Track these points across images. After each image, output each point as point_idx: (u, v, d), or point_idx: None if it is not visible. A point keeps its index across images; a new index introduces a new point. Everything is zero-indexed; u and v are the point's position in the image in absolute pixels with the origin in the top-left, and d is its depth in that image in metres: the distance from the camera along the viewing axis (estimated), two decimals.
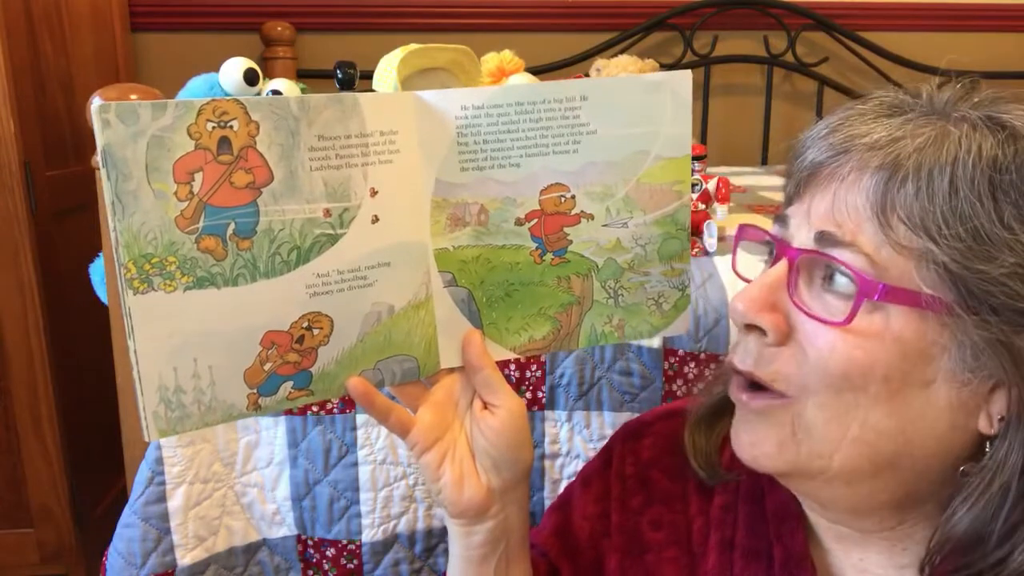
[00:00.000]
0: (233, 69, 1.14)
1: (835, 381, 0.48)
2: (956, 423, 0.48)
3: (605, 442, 0.69)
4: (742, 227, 0.58)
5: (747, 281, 0.54)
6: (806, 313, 0.49)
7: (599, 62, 1.58)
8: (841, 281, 0.48)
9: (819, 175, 0.50)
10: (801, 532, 0.57)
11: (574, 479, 0.70)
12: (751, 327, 0.51)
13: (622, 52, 2.36)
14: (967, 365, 0.47)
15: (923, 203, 0.46)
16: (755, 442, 0.52)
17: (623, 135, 0.55)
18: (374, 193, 0.52)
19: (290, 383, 0.52)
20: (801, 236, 0.51)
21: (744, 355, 0.52)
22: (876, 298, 0.46)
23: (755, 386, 0.52)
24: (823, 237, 0.49)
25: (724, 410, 0.62)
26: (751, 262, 1.20)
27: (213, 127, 0.46)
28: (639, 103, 0.55)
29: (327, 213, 0.50)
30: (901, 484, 0.51)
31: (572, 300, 0.58)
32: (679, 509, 0.63)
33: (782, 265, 0.50)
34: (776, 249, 0.52)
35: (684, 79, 0.56)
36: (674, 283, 0.60)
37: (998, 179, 0.46)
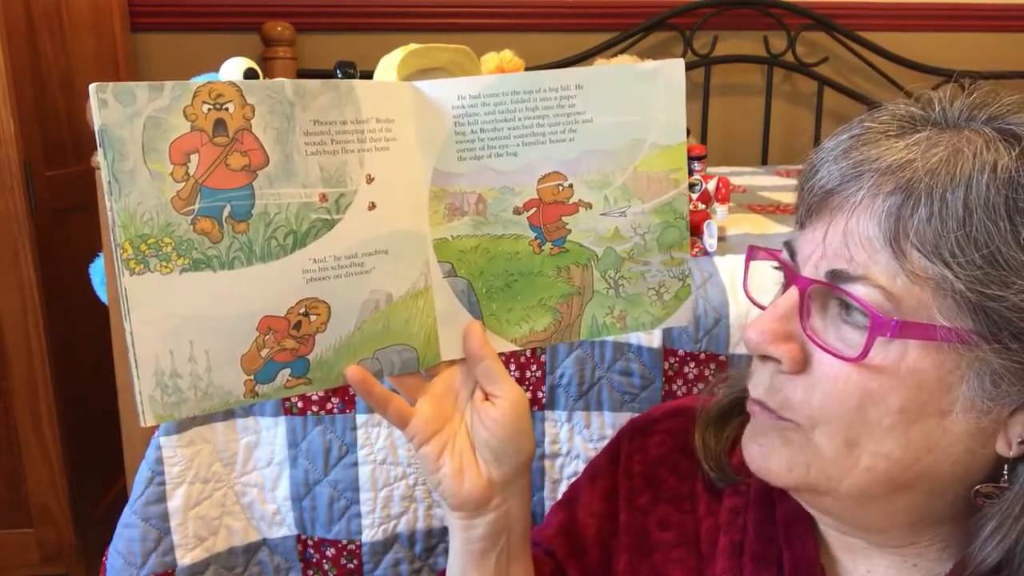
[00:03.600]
0: (233, 69, 1.14)
1: (849, 412, 0.47)
2: (973, 448, 0.47)
3: (607, 440, 0.68)
4: (752, 249, 0.57)
5: (760, 307, 0.53)
6: (819, 345, 0.48)
7: (599, 62, 1.58)
8: (857, 313, 0.47)
9: (830, 203, 0.49)
10: (812, 539, 0.57)
11: (580, 475, 0.70)
12: (766, 357, 0.50)
13: (622, 52, 2.36)
14: (987, 393, 0.45)
15: (936, 228, 0.44)
16: (766, 455, 0.51)
17: (618, 123, 0.55)
18: (370, 180, 0.52)
19: (288, 370, 0.51)
20: (811, 265, 0.49)
21: (757, 383, 0.52)
22: (889, 335, 0.45)
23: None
24: (836, 274, 0.47)
25: (733, 412, 0.62)
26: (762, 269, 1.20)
27: (209, 109, 0.47)
28: (633, 92, 0.55)
29: (323, 198, 0.50)
30: (916, 506, 0.50)
31: (572, 291, 0.58)
32: (687, 509, 0.62)
33: (793, 294, 0.49)
34: (787, 277, 0.51)
35: (677, 67, 0.56)
36: (674, 273, 0.59)
37: (1014, 198, 0.44)
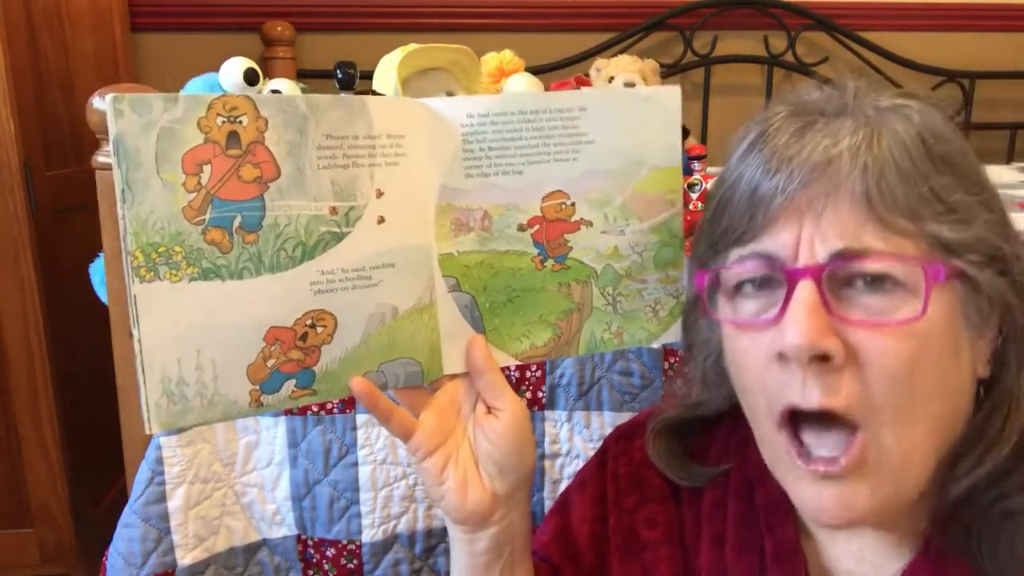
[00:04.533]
0: (233, 69, 1.14)
1: (901, 386, 0.47)
2: (973, 381, 0.51)
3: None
4: (702, 274, 0.55)
5: (745, 326, 0.52)
6: (869, 322, 0.48)
7: (599, 62, 1.58)
8: (872, 282, 0.48)
9: (802, 197, 0.49)
10: (791, 524, 0.57)
11: (571, 481, 0.70)
12: (813, 360, 0.48)
13: (622, 52, 2.36)
14: (980, 320, 0.50)
15: (903, 191, 0.48)
16: (850, 504, 0.49)
17: (619, 144, 0.57)
18: (380, 194, 0.52)
19: (293, 381, 0.52)
20: (805, 256, 0.49)
21: (808, 390, 0.48)
22: (943, 278, 0.47)
23: (796, 416, 0.50)
24: (842, 254, 0.48)
25: (688, 428, 0.64)
26: None
27: (223, 121, 0.47)
28: (633, 115, 0.57)
29: (333, 211, 0.51)
30: (934, 473, 0.51)
31: (572, 307, 0.59)
32: (672, 507, 0.63)
33: (807, 289, 0.48)
34: (787, 278, 0.49)
35: (674, 93, 0.59)
36: (669, 290, 0.61)
37: (932, 152, 0.49)
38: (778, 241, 0.50)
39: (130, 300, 0.47)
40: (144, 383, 0.47)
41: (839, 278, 0.49)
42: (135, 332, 0.47)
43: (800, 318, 0.48)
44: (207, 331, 0.48)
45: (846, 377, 0.48)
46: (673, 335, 0.62)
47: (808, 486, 0.50)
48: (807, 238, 0.49)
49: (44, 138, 1.63)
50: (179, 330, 0.48)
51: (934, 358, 0.48)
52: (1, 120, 1.47)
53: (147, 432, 0.48)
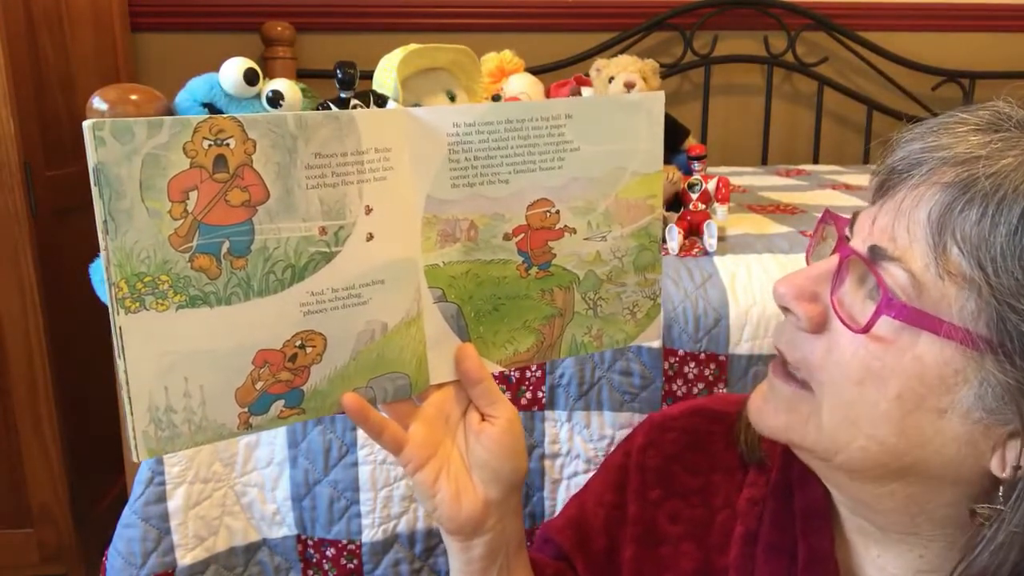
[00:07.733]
0: (233, 69, 1.13)
1: (850, 387, 0.48)
2: (964, 456, 0.47)
3: (607, 440, 0.69)
4: (827, 213, 0.57)
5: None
6: (835, 311, 0.49)
7: (599, 62, 1.58)
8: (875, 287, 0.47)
9: (892, 182, 0.50)
10: (828, 531, 0.57)
11: (596, 471, 0.70)
12: (786, 310, 0.51)
13: (622, 52, 2.37)
14: (985, 405, 0.45)
15: (984, 231, 0.43)
16: (765, 412, 0.54)
17: (603, 152, 0.57)
18: (369, 211, 0.51)
19: (281, 401, 0.51)
20: (860, 238, 0.50)
21: (780, 334, 0.53)
22: (893, 315, 0.45)
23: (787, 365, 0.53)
24: (874, 250, 0.48)
25: None
26: (778, 262, 1.18)
27: (209, 145, 0.46)
28: (618, 122, 0.57)
29: (323, 231, 0.50)
30: (909, 496, 0.51)
31: (555, 312, 0.59)
32: (697, 503, 0.63)
33: (834, 260, 0.50)
34: (837, 243, 0.52)
35: (658, 100, 0.58)
36: (647, 293, 0.62)
37: None
38: (867, 212, 0.51)
39: (115, 331, 0.45)
40: (131, 412, 0.46)
41: (868, 270, 0.49)
42: (120, 363, 0.46)
43: (798, 274, 0.51)
44: (195, 358, 0.47)
45: (815, 344, 0.50)
46: (649, 336, 0.62)
47: (761, 387, 0.55)
48: (873, 222, 0.49)
49: (44, 138, 1.63)
50: (166, 359, 0.47)
51: (893, 389, 0.47)
52: (1, 120, 1.47)
53: (135, 460, 0.47)
